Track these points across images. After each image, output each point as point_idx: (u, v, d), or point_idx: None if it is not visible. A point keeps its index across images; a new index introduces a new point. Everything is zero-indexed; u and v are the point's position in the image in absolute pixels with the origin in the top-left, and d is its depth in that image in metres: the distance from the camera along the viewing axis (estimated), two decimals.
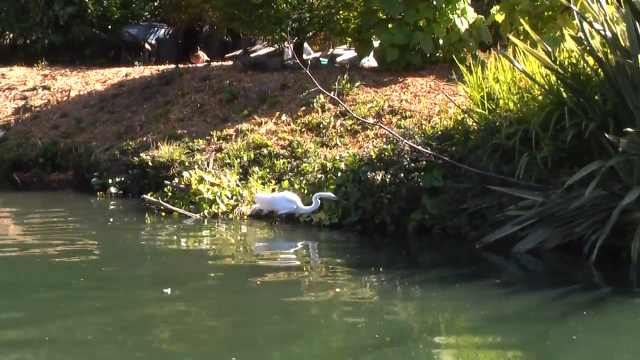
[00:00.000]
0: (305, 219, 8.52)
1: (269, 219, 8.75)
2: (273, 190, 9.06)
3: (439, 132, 8.60)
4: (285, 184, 9.07)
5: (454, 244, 7.67)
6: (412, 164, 8.07)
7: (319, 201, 8.24)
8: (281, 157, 9.68)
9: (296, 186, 8.88)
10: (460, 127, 8.47)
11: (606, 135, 6.84)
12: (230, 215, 8.88)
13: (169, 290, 5.71)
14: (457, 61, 9.25)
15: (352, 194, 8.29)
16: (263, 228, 8.59)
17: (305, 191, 8.69)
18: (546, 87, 7.77)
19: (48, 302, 5.71)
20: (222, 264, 7.09)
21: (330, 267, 7.02)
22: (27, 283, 6.26)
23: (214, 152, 10.13)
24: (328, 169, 8.83)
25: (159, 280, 6.40)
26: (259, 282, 6.22)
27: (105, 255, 7.48)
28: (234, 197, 9.10)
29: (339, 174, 8.61)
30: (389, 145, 8.45)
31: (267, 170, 9.53)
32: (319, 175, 8.81)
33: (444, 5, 11.18)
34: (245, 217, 8.82)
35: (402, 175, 8.01)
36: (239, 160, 9.77)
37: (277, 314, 5.45)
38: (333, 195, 8.18)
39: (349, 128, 10.02)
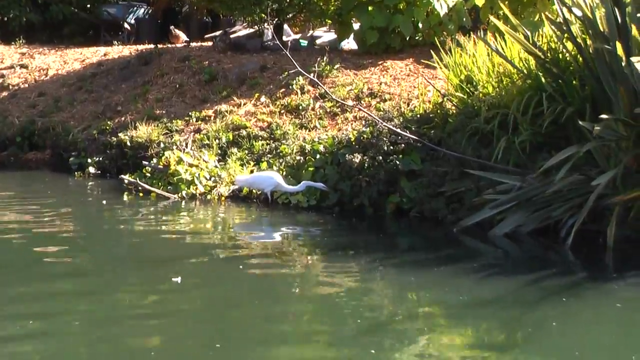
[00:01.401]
0: (284, 200, 8.43)
1: (247, 200, 8.65)
2: (252, 171, 8.95)
3: (418, 116, 8.51)
4: (264, 165, 8.96)
5: (432, 227, 7.61)
6: (391, 147, 7.99)
7: (305, 187, 8.13)
8: (260, 138, 9.57)
9: (275, 168, 8.77)
10: (439, 111, 8.39)
11: (580, 122, 6.78)
12: (209, 197, 8.75)
13: (179, 279, 5.54)
14: (436, 45, 9.15)
15: (331, 177, 8.20)
16: (241, 210, 8.49)
17: (284, 173, 8.59)
18: (525, 71, 7.69)
19: (28, 285, 5.54)
20: (201, 247, 6.96)
21: (308, 251, 6.93)
22: (4, 265, 6.09)
23: (192, 133, 9.99)
24: (307, 151, 8.73)
25: (142, 264, 6.26)
26: (240, 267, 6.11)
27: (83, 238, 7.32)
28: (212, 178, 8.97)
29: (318, 156, 8.51)
30: (368, 128, 8.37)
31: (246, 151, 9.42)
32: (297, 157, 8.71)
33: None
34: (224, 198, 8.71)
35: (380, 158, 7.94)
36: (217, 141, 9.65)
37: (257, 299, 5.35)
38: (324, 185, 8.07)
39: (328, 110, 9.91)
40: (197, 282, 5.76)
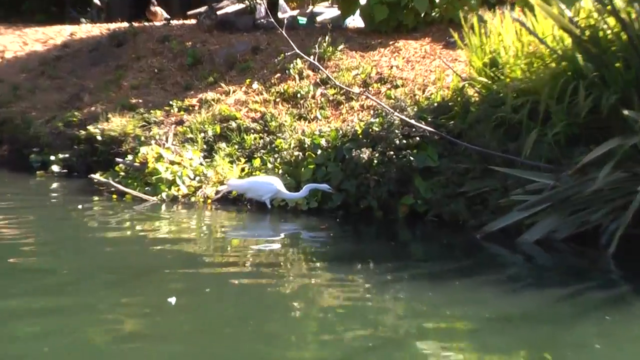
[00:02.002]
0: (280, 202, 8.46)
1: (237, 203, 8.66)
2: (242, 170, 8.96)
3: (435, 104, 8.54)
4: (257, 162, 8.97)
5: (451, 233, 7.61)
6: (404, 141, 8.00)
7: (308, 192, 8.17)
8: (252, 131, 9.58)
9: (269, 165, 8.78)
10: (459, 98, 8.41)
11: (624, 111, 6.77)
12: (193, 199, 8.78)
13: (173, 300, 5.52)
14: (456, 22, 9.15)
15: (334, 175, 8.21)
16: (231, 214, 8.48)
17: (280, 171, 8.60)
18: (560, 52, 7.69)
19: None
20: (188, 258, 6.92)
21: (309, 261, 6.91)
22: None
23: (173, 126, 10.02)
24: (306, 145, 8.74)
25: (112, 278, 6.25)
26: (234, 281, 6.11)
27: (51, 248, 7.22)
28: (197, 178, 9.00)
29: (319, 151, 8.52)
30: (377, 119, 8.38)
31: (236, 146, 9.43)
32: (295, 153, 8.71)
33: None
34: (210, 201, 8.72)
35: (391, 153, 7.95)
36: (203, 135, 9.66)
37: (253, 317, 5.33)
38: (329, 187, 8.10)
39: (330, 98, 9.93)
40: (188, 299, 5.73)
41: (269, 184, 8.28)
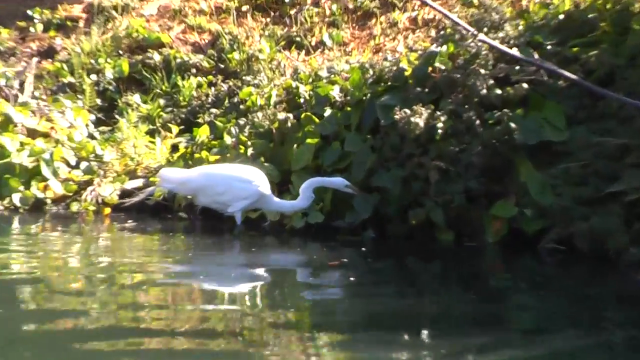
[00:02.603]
0: (250, 215, 8.53)
1: (161, 215, 8.69)
2: (174, 148, 8.96)
3: (558, 19, 8.51)
4: (203, 133, 8.92)
5: (592, 273, 7.59)
6: (497, 90, 8.00)
7: (312, 194, 8.24)
8: (194, 71, 9.61)
9: (228, 139, 8.74)
10: (606, 5, 8.34)
11: None
12: (76, 206, 8.83)
13: None
14: None
15: (358, 159, 8.24)
16: (152, 236, 8.47)
17: (250, 150, 8.60)
18: None
19: None
20: (64, 325, 6.83)
21: (307, 337, 6.77)
22: None
23: (35, 60, 10.09)
24: (303, 98, 8.76)
25: None
26: None
27: None
28: (85, 165, 9.02)
29: (328, 111, 8.54)
30: (443, 47, 8.33)
31: (162, 101, 9.46)
32: (280, 115, 8.66)
33: None
34: (109, 210, 8.73)
35: (472, 116, 7.89)
36: (94, 77, 9.69)
37: None
38: (346, 182, 8.17)
39: (350, 6, 9.95)
40: None
41: (246, 181, 8.32)
